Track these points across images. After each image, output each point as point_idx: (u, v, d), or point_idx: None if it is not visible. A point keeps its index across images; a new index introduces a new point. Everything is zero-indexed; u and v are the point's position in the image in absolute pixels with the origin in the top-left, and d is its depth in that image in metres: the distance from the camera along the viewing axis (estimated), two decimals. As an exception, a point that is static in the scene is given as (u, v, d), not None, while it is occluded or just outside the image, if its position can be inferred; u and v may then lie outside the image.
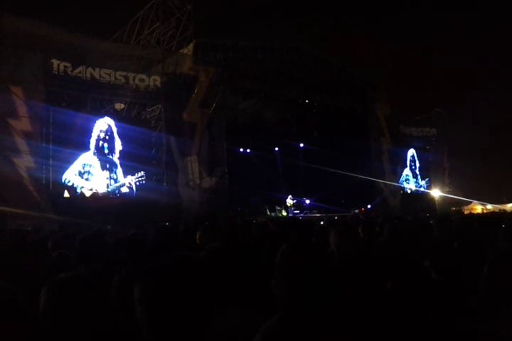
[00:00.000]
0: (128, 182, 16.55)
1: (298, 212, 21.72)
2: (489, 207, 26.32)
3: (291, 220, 8.90)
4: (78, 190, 15.58)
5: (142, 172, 16.48)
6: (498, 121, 32.66)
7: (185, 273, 1.26)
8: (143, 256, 3.46)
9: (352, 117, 23.76)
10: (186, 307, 1.25)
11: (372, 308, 1.92)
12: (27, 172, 14.17)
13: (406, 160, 27.27)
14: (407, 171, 27.30)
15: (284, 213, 21.44)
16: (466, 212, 22.67)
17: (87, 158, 15.92)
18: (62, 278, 1.85)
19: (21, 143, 14.17)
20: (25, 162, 14.18)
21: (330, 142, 22.42)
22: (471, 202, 27.26)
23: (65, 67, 15.35)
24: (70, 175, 15.45)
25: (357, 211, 20.94)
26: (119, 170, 16.58)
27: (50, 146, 14.56)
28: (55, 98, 15.08)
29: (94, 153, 16.03)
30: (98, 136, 16.11)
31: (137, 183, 16.52)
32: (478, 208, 26.76)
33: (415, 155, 27.67)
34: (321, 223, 7.81)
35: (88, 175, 15.88)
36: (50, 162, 14.64)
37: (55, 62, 15.14)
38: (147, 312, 1.26)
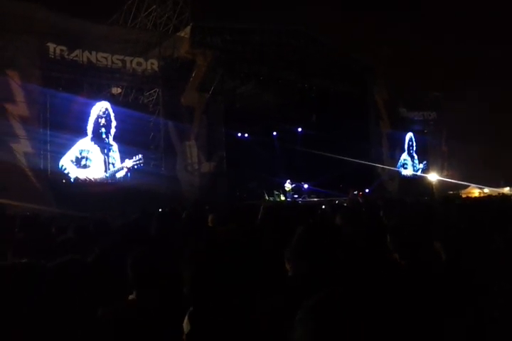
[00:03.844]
0: (126, 166, 16.50)
1: (297, 196, 21.75)
2: (486, 190, 26.39)
3: (292, 205, 8.91)
4: (72, 179, 15.50)
5: (140, 156, 16.41)
6: (497, 103, 32.44)
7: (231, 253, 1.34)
8: (147, 241, 3.45)
9: (350, 101, 23.60)
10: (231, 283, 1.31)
11: (389, 283, 1.93)
12: (25, 157, 14.09)
13: (404, 144, 27.24)
14: (405, 156, 27.29)
15: (283, 198, 21.45)
16: (463, 196, 22.71)
17: (85, 144, 15.82)
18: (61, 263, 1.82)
19: (19, 128, 14.06)
20: (22, 147, 14.09)
21: (328, 126, 22.33)
22: (468, 186, 27.31)
23: (61, 50, 15.14)
24: (66, 162, 15.38)
25: (355, 192, 20.92)
26: (117, 155, 16.51)
27: (48, 131, 14.47)
28: (52, 82, 14.87)
29: (91, 138, 15.94)
30: (96, 120, 16.00)
31: (135, 167, 16.47)
32: (475, 192, 26.83)
33: (413, 138, 27.64)
34: (323, 207, 7.81)
35: (86, 160, 15.79)
36: (48, 147, 14.56)
37: (51, 45, 14.93)
38: (195, 287, 1.41)
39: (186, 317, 1.43)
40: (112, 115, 16.29)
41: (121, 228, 3.81)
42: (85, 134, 15.79)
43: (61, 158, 15.17)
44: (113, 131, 16.33)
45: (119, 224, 4.10)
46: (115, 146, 16.49)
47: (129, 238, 3.49)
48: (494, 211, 4.96)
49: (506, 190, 25.84)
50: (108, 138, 16.30)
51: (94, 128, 15.96)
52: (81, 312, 1.62)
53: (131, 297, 1.91)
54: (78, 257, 1.92)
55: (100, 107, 16.13)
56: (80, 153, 15.68)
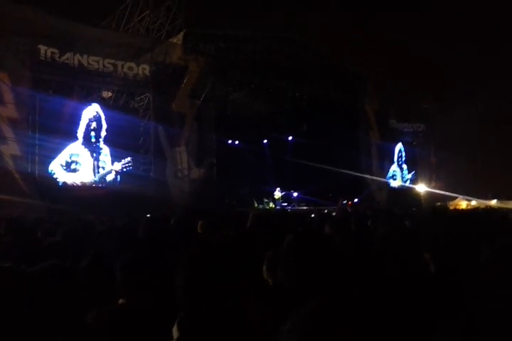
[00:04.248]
0: (114, 169, 16.39)
1: (286, 204, 21.75)
2: (474, 202, 26.55)
3: (281, 213, 8.90)
4: (60, 183, 15.35)
5: (129, 158, 16.31)
6: (488, 115, 32.65)
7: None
8: (135, 246, 3.41)
9: (341, 111, 23.76)
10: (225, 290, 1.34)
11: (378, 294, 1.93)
12: (12, 159, 13.94)
13: (393, 155, 27.40)
14: (394, 167, 27.43)
15: (272, 205, 21.46)
16: (450, 208, 22.81)
17: (75, 148, 15.70)
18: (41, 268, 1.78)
19: (7, 130, 13.92)
20: (10, 149, 13.95)
21: (319, 135, 22.42)
22: (456, 198, 27.47)
23: (53, 53, 15.05)
24: (56, 166, 15.23)
25: (345, 202, 20.96)
26: (108, 159, 16.41)
27: (37, 134, 14.30)
28: (42, 85, 14.80)
29: (82, 142, 15.82)
30: (87, 124, 15.90)
31: (124, 170, 16.36)
32: (463, 204, 26.98)
33: (403, 149, 27.81)
34: (312, 216, 7.81)
35: (76, 164, 15.67)
36: (36, 150, 14.41)
37: (42, 47, 14.82)
38: (187, 290, 1.39)
39: (175, 324, 1.41)
40: (103, 118, 16.21)
41: (108, 230, 3.78)
42: (75, 138, 15.66)
43: (50, 161, 15.02)
44: (103, 133, 16.22)
45: (106, 227, 4.07)
46: (106, 149, 16.38)
47: (118, 242, 3.46)
48: (480, 222, 5.01)
49: (493, 202, 26.05)
50: (98, 141, 16.19)
51: (85, 132, 15.84)
52: (63, 318, 1.59)
53: (120, 301, 1.89)
54: (60, 262, 1.88)
55: (92, 110, 16.04)
56: (70, 157, 15.56)
